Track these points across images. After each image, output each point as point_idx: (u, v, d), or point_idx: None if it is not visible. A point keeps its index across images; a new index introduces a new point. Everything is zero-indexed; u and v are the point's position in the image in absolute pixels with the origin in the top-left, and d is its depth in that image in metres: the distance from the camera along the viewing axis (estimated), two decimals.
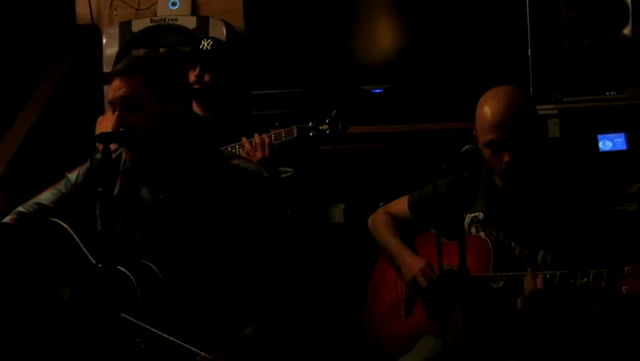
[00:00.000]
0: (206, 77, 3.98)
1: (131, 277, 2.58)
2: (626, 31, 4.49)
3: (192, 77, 3.96)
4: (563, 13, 4.55)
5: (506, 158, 2.81)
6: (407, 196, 3.22)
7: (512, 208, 2.91)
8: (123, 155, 2.78)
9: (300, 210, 4.06)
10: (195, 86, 3.95)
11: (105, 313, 2.45)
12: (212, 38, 4.19)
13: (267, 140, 3.70)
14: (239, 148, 3.74)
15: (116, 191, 2.78)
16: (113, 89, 2.68)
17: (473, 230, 2.96)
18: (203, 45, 4.04)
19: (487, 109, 2.84)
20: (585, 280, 2.62)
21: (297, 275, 2.77)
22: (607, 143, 4.41)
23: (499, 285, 2.77)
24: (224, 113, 4.05)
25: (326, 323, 3.98)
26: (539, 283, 2.67)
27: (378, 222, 3.24)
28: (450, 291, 2.87)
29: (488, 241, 2.88)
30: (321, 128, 3.72)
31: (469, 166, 2.74)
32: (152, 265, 2.63)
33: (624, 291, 2.55)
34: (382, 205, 3.34)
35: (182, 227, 2.70)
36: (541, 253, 2.84)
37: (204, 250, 2.68)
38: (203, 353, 2.51)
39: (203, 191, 2.70)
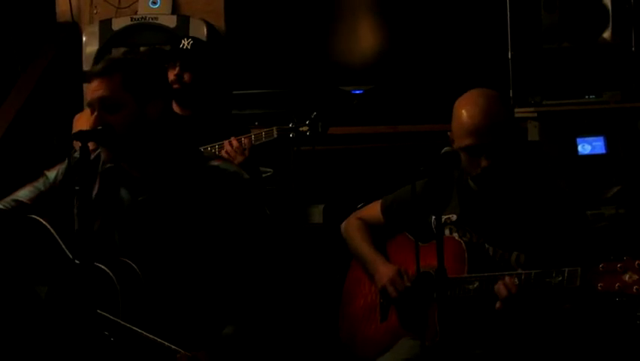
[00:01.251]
0: (186, 77, 3.97)
1: (111, 274, 2.57)
2: (606, 35, 4.52)
3: (172, 76, 3.94)
4: (543, 16, 4.56)
5: (483, 163, 2.81)
6: (379, 201, 3.22)
7: (485, 210, 2.92)
8: (101, 155, 2.77)
9: (280, 211, 4.06)
10: (174, 86, 3.94)
11: (83, 310, 2.44)
12: (193, 38, 4.18)
13: (246, 141, 3.69)
14: (218, 148, 3.73)
15: (94, 192, 2.77)
16: (92, 90, 2.66)
17: (447, 232, 2.96)
18: (184, 44, 4.03)
19: (464, 113, 2.83)
20: (560, 278, 2.63)
21: (277, 276, 2.77)
22: (586, 146, 4.43)
23: (475, 286, 2.78)
24: (204, 112, 4.04)
25: (305, 323, 3.98)
26: (512, 288, 2.67)
27: (351, 228, 3.22)
28: (426, 293, 2.87)
29: (462, 242, 2.88)
30: (301, 129, 3.72)
31: (448, 168, 2.74)
32: (132, 263, 2.62)
33: (600, 288, 2.56)
34: (361, 206, 3.34)
35: (161, 229, 2.68)
36: (514, 253, 2.85)
37: (184, 252, 2.67)
38: (183, 351, 2.51)
39: (183, 192, 2.69)
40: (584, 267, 2.61)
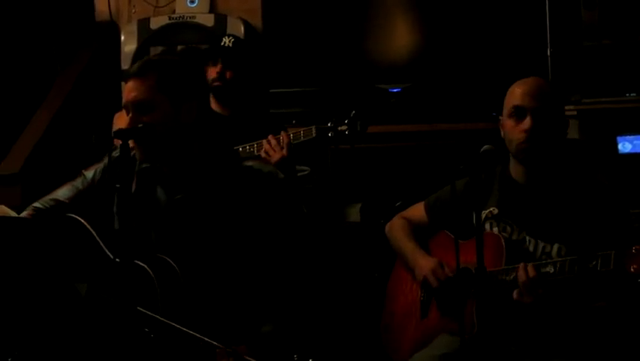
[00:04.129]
0: (228, 74, 3.97)
1: (150, 271, 2.58)
2: None
3: (213, 73, 3.96)
4: (582, 13, 4.53)
5: (527, 125, 2.85)
6: (422, 202, 3.25)
7: (527, 201, 2.93)
8: (137, 155, 2.78)
9: (317, 209, 4.05)
10: (216, 83, 3.95)
11: (123, 307, 2.46)
12: (233, 36, 4.18)
13: (285, 139, 3.69)
14: (257, 147, 3.73)
15: (132, 190, 2.78)
16: (127, 91, 2.68)
17: (487, 226, 2.97)
18: (225, 42, 4.04)
19: (515, 86, 2.94)
20: (594, 262, 2.65)
21: (314, 274, 2.77)
22: (626, 145, 4.38)
23: (511, 277, 2.78)
24: (243, 111, 4.04)
25: (342, 322, 3.98)
26: (531, 272, 2.70)
27: (395, 227, 3.26)
28: (465, 289, 2.87)
29: (501, 237, 2.89)
30: (339, 128, 3.71)
31: (487, 167, 2.74)
32: (170, 260, 2.64)
33: (632, 270, 2.57)
34: (399, 205, 3.34)
35: (198, 228, 2.70)
36: (556, 245, 2.86)
37: (220, 251, 2.68)
38: (222, 346, 2.51)
39: (219, 192, 2.70)
40: (617, 250, 2.62)
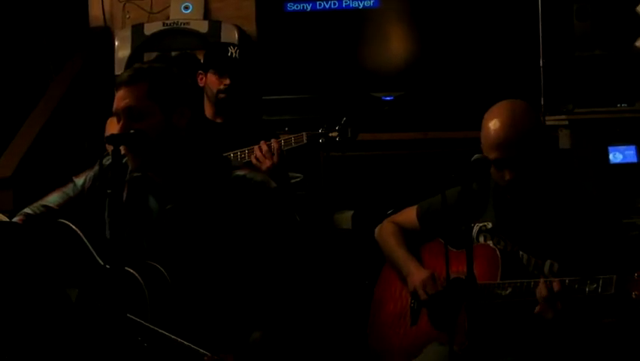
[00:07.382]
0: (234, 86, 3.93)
1: (139, 278, 2.58)
2: (639, 43, 4.49)
3: (220, 85, 3.90)
4: (575, 24, 4.55)
5: (507, 176, 2.82)
6: (415, 206, 3.22)
7: (520, 218, 2.91)
8: (129, 163, 2.77)
9: (309, 216, 4.05)
10: (221, 95, 3.91)
11: (112, 314, 2.45)
12: (236, 45, 4.11)
13: (276, 146, 3.68)
14: (248, 153, 3.73)
15: (123, 198, 2.78)
16: (118, 99, 2.68)
17: (481, 239, 2.96)
18: (232, 53, 3.96)
19: (490, 127, 2.83)
20: (595, 286, 2.63)
21: (304, 282, 2.77)
22: (617, 155, 4.39)
23: (507, 292, 2.78)
24: (236, 118, 4.04)
25: (332, 329, 3.98)
26: (555, 287, 2.67)
27: (385, 232, 3.23)
28: (457, 299, 2.87)
29: (496, 249, 2.88)
30: (330, 135, 3.71)
31: (478, 175, 2.73)
32: (159, 267, 2.64)
33: (634, 296, 2.56)
34: (390, 213, 3.34)
35: (189, 237, 2.70)
36: (548, 262, 2.84)
37: (211, 260, 2.68)
38: (210, 354, 2.51)
39: (210, 202, 2.70)
40: (619, 275, 2.61)
